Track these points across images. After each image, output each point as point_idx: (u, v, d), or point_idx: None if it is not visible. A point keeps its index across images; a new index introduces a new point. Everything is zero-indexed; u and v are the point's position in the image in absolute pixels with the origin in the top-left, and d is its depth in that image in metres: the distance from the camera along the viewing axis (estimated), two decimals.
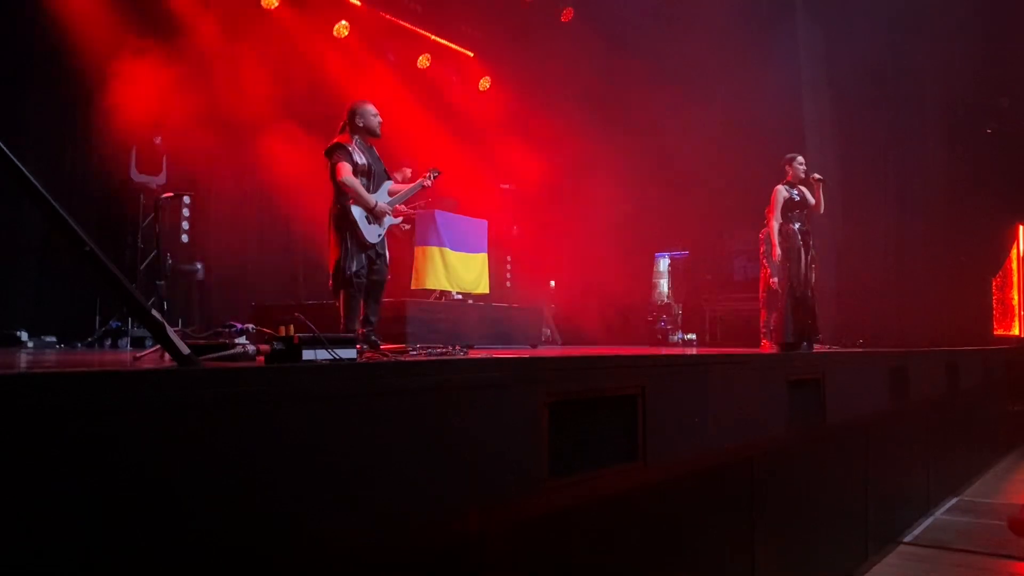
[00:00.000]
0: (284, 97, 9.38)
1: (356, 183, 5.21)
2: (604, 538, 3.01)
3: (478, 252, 9.07)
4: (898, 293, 11.58)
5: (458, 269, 8.62)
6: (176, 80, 8.46)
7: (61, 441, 1.43)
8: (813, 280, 6.86)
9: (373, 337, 5.23)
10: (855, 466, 5.49)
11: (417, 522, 2.15)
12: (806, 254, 6.72)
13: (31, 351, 6.15)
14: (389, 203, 5.45)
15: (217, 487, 1.69)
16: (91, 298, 7.75)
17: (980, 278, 12.41)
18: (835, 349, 7.19)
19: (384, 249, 5.44)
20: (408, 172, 8.70)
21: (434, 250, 8.37)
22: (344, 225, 5.21)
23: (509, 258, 11.62)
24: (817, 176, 6.77)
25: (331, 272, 5.29)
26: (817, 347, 6.77)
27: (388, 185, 5.54)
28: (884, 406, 5.96)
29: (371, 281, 5.33)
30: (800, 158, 6.85)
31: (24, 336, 6.98)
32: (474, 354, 3.92)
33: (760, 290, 9.28)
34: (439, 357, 3.57)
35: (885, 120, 11.96)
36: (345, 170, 5.18)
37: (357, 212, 5.21)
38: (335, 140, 5.34)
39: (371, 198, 5.26)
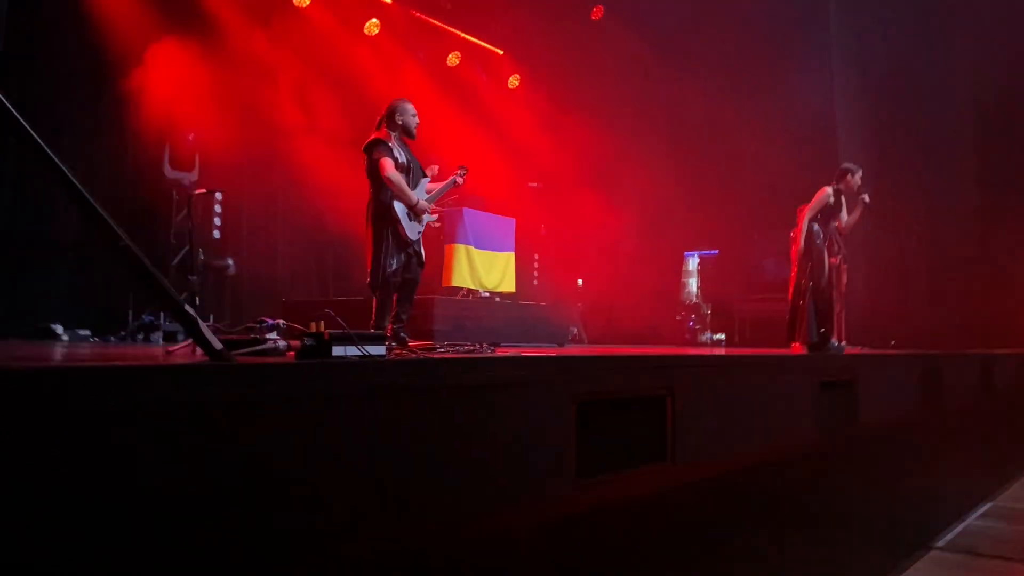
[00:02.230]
0: (315, 94, 9.45)
1: (400, 179, 5.20)
2: (631, 538, 2.99)
3: (504, 251, 9.07)
4: (932, 294, 11.40)
5: (483, 268, 8.63)
6: (209, 77, 8.55)
7: (93, 433, 1.45)
8: (844, 281, 6.79)
9: (403, 334, 5.24)
10: (886, 469, 5.41)
11: (445, 521, 2.16)
12: (831, 256, 6.67)
13: (66, 344, 6.26)
14: (427, 200, 5.48)
15: (248, 482, 1.70)
16: (125, 292, 7.86)
17: (1016, 279, 12.16)
18: (867, 351, 7.10)
19: (421, 247, 5.45)
20: (436, 168, 8.71)
21: (460, 248, 8.39)
22: (386, 222, 5.20)
23: (537, 256, 11.60)
24: (867, 199, 6.71)
25: (369, 269, 5.30)
26: (848, 348, 6.70)
27: (425, 183, 5.55)
28: (917, 408, 5.87)
29: (405, 279, 5.34)
30: (860, 173, 6.79)
31: (59, 329, 7.11)
32: (501, 352, 3.92)
33: (790, 290, 9.18)
34: (467, 355, 3.58)
35: (918, 118, 11.77)
36: (389, 166, 5.16)
37: (399, 209, 5.21)
38: (374, 135, 5.32)
39: (413, 195, 5.27)
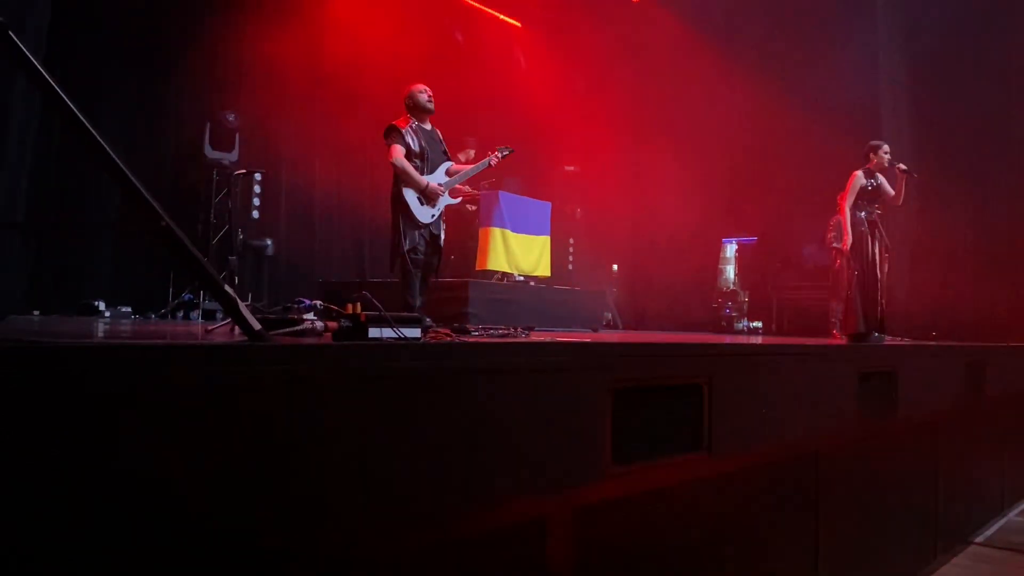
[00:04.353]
0: (354, 76, 9.46)
1: (406, 164, 5.36)
2: (665, 526, 2.97)
3: (540, 234, 9.04)
4: (977, 285, 11.11)
5: (518, 251, 8.61)
6: (249, 59, 8.60)
7: (133, 411, 1.46)
8: (886, 271, 6.67)
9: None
10: (926, 463, 5.32)
11: (478, 507, 2.15)
12: (874, 243, 6.54)
13: (107, 321, 6.38)
14: (446, 183, 5.57)
15: (283, 464, 1.71)
16: (165, 271, 7.99)
17: None
18: (907, 342, 6.97)
19: (438, 231, 5.56)
20: (472, 153, 8.69)
21: (496, 231, 8.37)
22: (398, 206, 5.39)
23: (572, 241, 11.54)
24: (902, 167, 6.56)
25: (390, 252, 5.52)
26: (889, 339, 6.59)
27: (446, 166, 5.65)
28: (958, 401, 5.76)
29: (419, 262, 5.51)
30: (886, 147, 6.65)
31: (101, 306, 7.26)
32: (535, 336, 3.90)
33: (829, 278, 9.04)
34: (501, 339, 3.57)
35: (967, 101, 11.41)
36: (397, 152, 5.37)
37: (409, 194, 5.37)
38: (392, 123, 5.53)
39: (421, 179, 5.40)
